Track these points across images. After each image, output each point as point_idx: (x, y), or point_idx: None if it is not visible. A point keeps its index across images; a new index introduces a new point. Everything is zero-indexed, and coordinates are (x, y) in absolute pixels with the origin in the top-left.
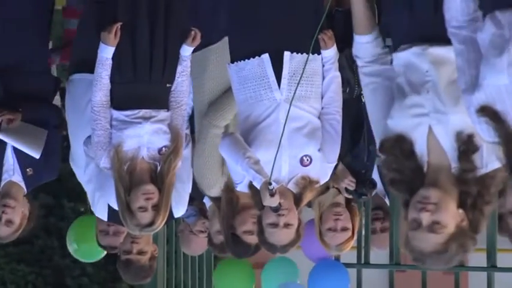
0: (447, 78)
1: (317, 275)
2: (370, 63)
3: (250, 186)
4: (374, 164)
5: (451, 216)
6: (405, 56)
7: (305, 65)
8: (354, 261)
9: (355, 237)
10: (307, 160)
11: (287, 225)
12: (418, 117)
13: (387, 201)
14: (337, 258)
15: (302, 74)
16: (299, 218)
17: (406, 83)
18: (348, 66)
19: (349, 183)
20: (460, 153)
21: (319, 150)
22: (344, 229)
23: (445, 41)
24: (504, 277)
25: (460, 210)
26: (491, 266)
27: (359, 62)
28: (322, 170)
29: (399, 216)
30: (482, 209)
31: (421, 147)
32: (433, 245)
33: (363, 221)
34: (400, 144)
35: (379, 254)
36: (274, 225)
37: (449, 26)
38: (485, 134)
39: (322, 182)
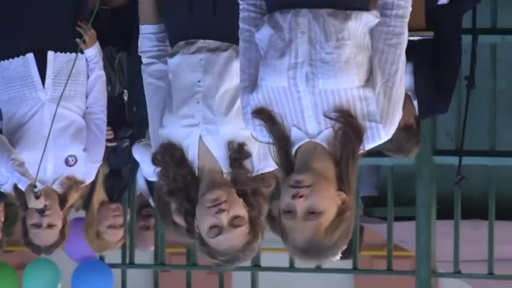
0: (218, 88)
1: (80, 275)
2: (154, 59)
3: (15, 187)
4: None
5: (242, 206)
6: (176, 63)
7: (73, 64)
8: (119, 261)
9: None
10: (73, 160)
11: (51, 225)
12: (189, 128)
13: (151, 200)
14: (102, 258)
15: (70, 73)
16: (64, 218)
17: (176, 91)
18: (109, 65)
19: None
20: (232, 161)
21: (84, 150)
22: (122, 225)
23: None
24: (268, 276)
25: (241, 199)
26: (255, 266)
27: (143, 59)
28: (87, 169)
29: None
30: (263, 193)
31: (192, 154)
32: (244, 237)
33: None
34: (170, 152)
35: (143, 254)
36: (38, 226)
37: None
38: (258, 134)
39: (88, 181)
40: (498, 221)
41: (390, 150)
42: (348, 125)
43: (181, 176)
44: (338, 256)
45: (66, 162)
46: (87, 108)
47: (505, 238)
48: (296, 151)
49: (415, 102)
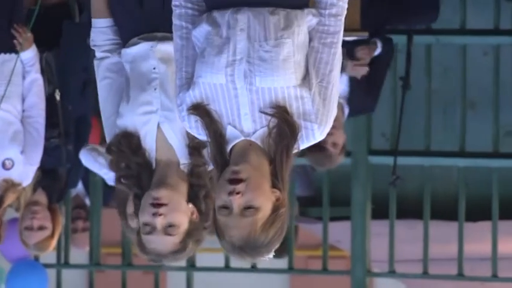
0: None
1: (15, 275)
2: (108, 53)
3: None
4: (79, 162)
5: (183, 215)
6: (133, 52)
7: (14, 66)
8: (54, 261)
9: (56, 237)
10: (10, 164)
11: None
12: (147, 115)
13: (87, 201)
14: (37, 258)
15: (11, 75)
16: (0, 220)
17: (133, 80)
18: None
19: None
20: (191, 148)
21: (21, 152)
22: (41, 228)
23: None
24: (203, 276)
25: (190, 205)
26: (191, 266)
27: (97, 53)
28: (24, 172)
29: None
30: (213, 197)
31: (150, 144)
32: (171, 246)
33: (63, 221)
34: (128, 140)
35: (78, 254)
36: None
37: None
38: (194, 132)
39: (25, 184)
40: (433, 220)
41: (320, 165)
42: (284, 121)
43: (135, 164)
44: (272, 254)
45: (3, 165)
46: (24, 111)
47: (440, 238)
48: (231, 150)
49: (346, 111)
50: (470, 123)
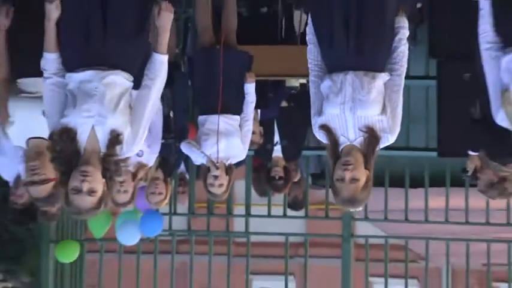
0: (111, 94)
1: (145, 219)
2: (52, 75)
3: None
4: (181, 152)
5: (100, 184)
6: (80, 77)
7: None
8: (167, 211)
9: (168, 197)
10: (141, 153)
11: (126, 191)
12: (86, 118)
13: (187, 176)
14: (157, 209)
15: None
16: (134, 187)
17: (80, 95)
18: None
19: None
20: (109, 143)
21: (148, 146)
22: (160, 193)
23: (111, 67)
24: (256, 222)
25: (104, 180)
26: (248, 214)
27: (45, 74)
28: (150, 158)
29: (194, 185)
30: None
31: (82, 138)
32: (90, 204)
33: (172, 188)
34: (68, 133)
35: (181, 207)
36: (118, 191)
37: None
38: (322, 139)
39: (150, 165)
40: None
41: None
42: (372, 135)
43: (70, 151)
44: (361, 207)
45: (137, 154)
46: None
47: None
48: (341, 150)
49: None
50: None
